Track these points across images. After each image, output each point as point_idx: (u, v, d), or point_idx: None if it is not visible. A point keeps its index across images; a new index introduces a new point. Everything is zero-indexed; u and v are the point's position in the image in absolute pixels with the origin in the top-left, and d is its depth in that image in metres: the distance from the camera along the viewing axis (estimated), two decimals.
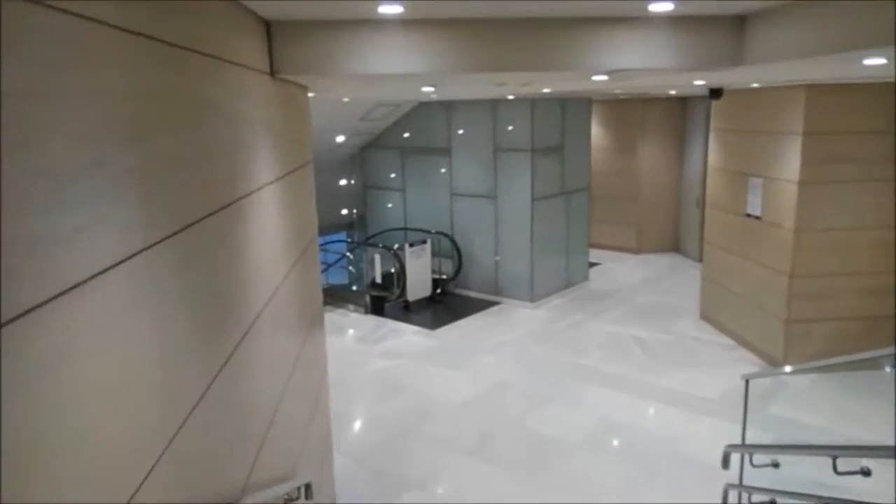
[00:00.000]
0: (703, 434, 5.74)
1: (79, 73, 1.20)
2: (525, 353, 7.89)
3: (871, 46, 2.35)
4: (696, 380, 6.88)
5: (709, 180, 8.66)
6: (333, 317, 9.44)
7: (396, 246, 9.89)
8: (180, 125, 1.72)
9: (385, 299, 9.85)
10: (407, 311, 9.66)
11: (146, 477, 1.35)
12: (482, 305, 9.78)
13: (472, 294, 10.26)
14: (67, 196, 1.12)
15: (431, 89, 5.79)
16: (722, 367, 7.16)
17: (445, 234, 10.35)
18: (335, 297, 10.01)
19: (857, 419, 5.82)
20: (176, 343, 1.58)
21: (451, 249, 10.34)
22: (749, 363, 7.22)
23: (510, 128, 9.42)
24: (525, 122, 9.24)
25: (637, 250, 12.72)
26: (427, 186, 10.63)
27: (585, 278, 10.67)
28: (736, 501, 4.13)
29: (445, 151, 10.22)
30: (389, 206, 11.30)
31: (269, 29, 2.98)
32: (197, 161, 1.84)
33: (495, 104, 9.44)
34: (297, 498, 2.91)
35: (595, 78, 4.01)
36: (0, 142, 0.93)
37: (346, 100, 7.98)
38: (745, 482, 4.22)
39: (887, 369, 5.23)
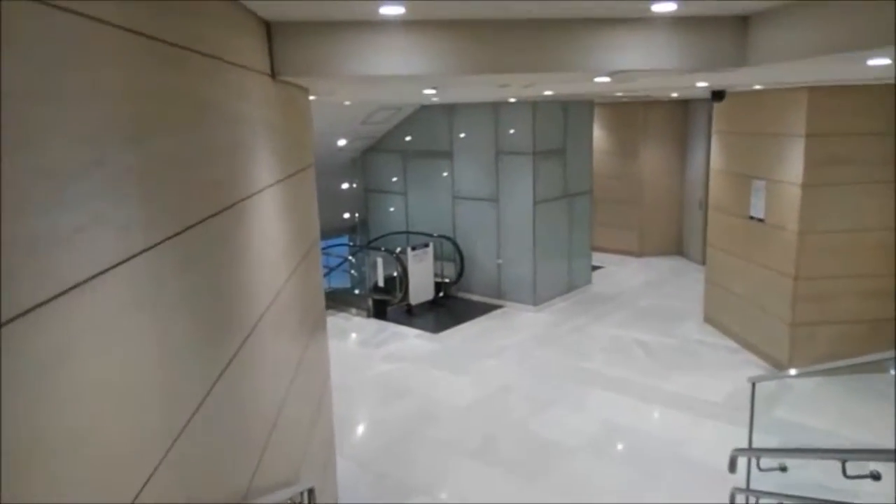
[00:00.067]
0: (707, 438, 5.71)
1: (79, 73, 1.19)
2: (528, 356, 7.87)
3: (874, 46, 2.34)
4: (700, 383, 6.85)
5: (711, 183, 8.64)
6: (336, 320, 9.42)
7: (399, 249, 9.88)
8: (180, 126, 1.71)
9: (387, 303, 9.84)
10: (409, 315, 9.65)
11: (147, 480, 1.34)
12: (485, 309, 9.76)
13: (475, 297, 10.24)
14: (67, 196, 1.11)
15: (433, 92, 5.79)
16: (726, 371, 7.13)
17: (448, 238, 10.33)
18: (337, 300, 10.00)
19: (862, 422, 5.79)
20: (177, 345, 1.57)
21: (453, 253, 10.32)
22: (753, 366, 7.19)
23: (512, 131, 9.41)
24: (527, 125, 9.24)
25: (639, 253, 12.70)
26: (429, 190, 10.62)
27: (588, 282, 10.64)
28: None
29: (447, 155, 10.22)
30: (391, 209, 11.30)
31: (270, 30, 2.98)
32: (197, 162, 1.83)
33: (497, 107, 9.43)
34: (300, 503, 2.90)
35: (597, 80, 4.00)
36: (0, 141, 0.91)
37: (347, 103, 7.99)
38: (751, 486, 4.19)
39: (892, 372, 5.21)
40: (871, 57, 2.85)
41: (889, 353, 5.48)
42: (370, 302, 9.80)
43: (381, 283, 10.05)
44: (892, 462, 2.52)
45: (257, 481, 2.26)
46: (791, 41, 2.77)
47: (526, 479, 5.20)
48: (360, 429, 6.32)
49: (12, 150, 0.95)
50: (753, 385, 4.43)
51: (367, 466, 5.45)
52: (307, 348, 3.61)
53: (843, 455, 2.65)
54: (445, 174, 10.30)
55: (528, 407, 6.47)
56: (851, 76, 4.87)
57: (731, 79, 5.12)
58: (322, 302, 4.45)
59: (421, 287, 9.85)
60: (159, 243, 1.48)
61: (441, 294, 10.20)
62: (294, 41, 3.02)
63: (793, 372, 5.96)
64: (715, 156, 8.47)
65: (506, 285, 9.87)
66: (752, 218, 7.49)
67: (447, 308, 9.95)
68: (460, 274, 10.27)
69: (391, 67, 3.09)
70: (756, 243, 7.43)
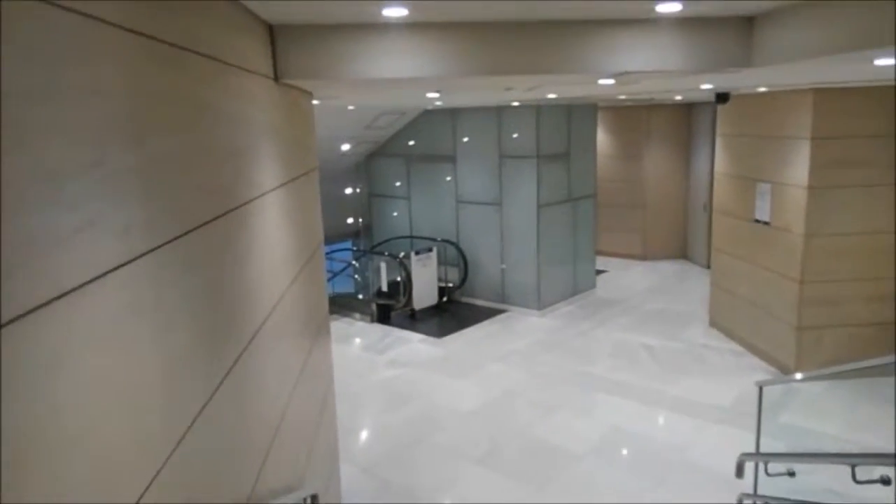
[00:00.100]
0: (713, 442, 5.67)
1: (78, 71, 1.17)
2: (532, 361, 7.83)
3: (880, 46, 2.32)
4: (706, 387, 6.81)
5: (716, 186, 8.61)
6: (339, 325, 9.40)
7: (402, 254, 9.86)
8: (181, 127, 1.70)
9: (391, 308, 9.81)
10: (413, 320, 9.62)
11: (148, 486, 1.32)
12: (489, 313, 9.73)
13: (479, 302, 10.21)
14: (65, 197, 1.09)
15: (436, 95, 5.78)
16: (732, 375, 7.09)
17: (451, 242, 10.32)
18: (341, 305, 9.98)
19: (869, 427, 5.73)
20: (178, 351, 1.54)
21: (456, 257, 10.30)
22: (759, 370, 7.15)
23: (515, 135, 9.40)
24: (530, 129, 9.22)
25: (644, 257, 12.66)
26: (432, 194, 10.61)
27: (592, 286, 10.61)
28: None
29: (451, 159, 10.21)
30: (395, 214, 11.29)
31: (273, 33, 2.97)
32: (199, 164, 1.81)
33: (500, 111, 9.42)
34: None
35: (601, 82, 3.98)
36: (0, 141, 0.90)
37: (351, 108, 7.99)
38: (758, 491, 4.15)
39: None
40: (878, 57, 2.82)
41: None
42: (374, 307, 9.78)
43: (384, 288, 10.03)
44: None
45: (260, 487, 2.24)
46: (797, 41, 2.75)
47: (532, 484, 5.16)
48: (364, 434, 6.29)
49: (9, 150, 0.93)
50: (761, 389, 4.39)
51: (371, 472, 5.42)
52: (311, 353, 3.59)
53: (853, 460, 2.61)
54: (449, 178, 10.29)
55: (534, 412, 6.44)
56: (858, 77, 4.84)
57: (735, 81, 5.09)
58: (326, 307, 4.43)
59: (424, 292, 9.83)
60: (160, 246, 1.46)
61: (445, 299, 10.17)
62: (297, 44, 3.00)
63: (799, 376, 5.91)
64: (719, 159, 8.43)
65: (510, 290, 9.84)
66: (757, 221, 7.45)
67: (451, 313, 9.92)
68: (464, 278, 10.24)
69: (395, 70, 3.07)
70: (761, 246, 7.39)
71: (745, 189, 7.68)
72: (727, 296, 8.26)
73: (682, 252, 12.70)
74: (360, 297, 10.37)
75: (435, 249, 10.01)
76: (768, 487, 4.04)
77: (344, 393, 6.11)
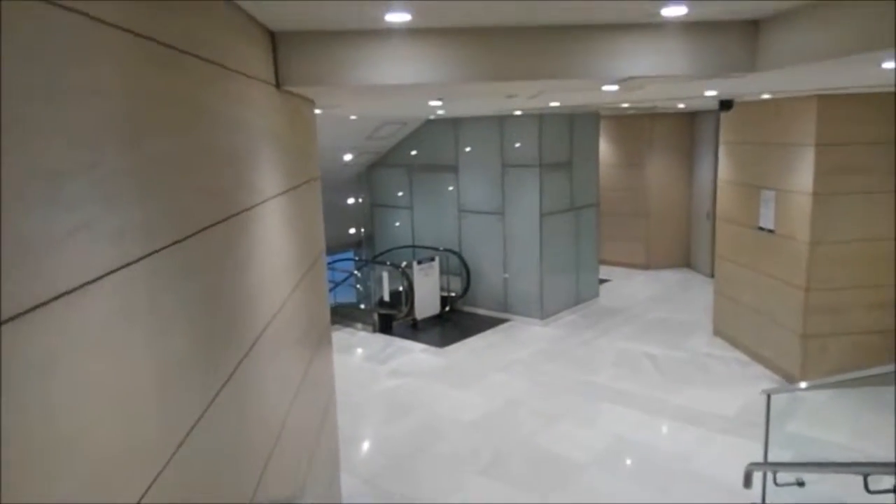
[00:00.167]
0: (718, 452, 5.61)
1: (75, 71, 1.15)
2: (535, 370, 7.77)
3: (888, 48, 2.29)
4: (711, 397, 6.74)
5: (719, 194, 8.58)
6: (341, 335, 9.36)
7: (404, 264, 9.83)
8: (180, 131, 1.67)
9: (393, 317, 9.77)
10: (415, 330, 9.57)
11: (144, 493, 1.28)
12: (491, 323, 9.68)
13: (481, 311, 10.16)
14: (60, 198, 1.06)
15: (439, 103, 5.76)
16: (737, 384, 7.03)
17: (453, 252, 10.28)
18: (343, 315, 9.94)
19: (875, 435, 5.67)
20: (174, 358, 1.51)
21: (459, 267, 10.27)
22: (764, 379, 7.08)
23: (517, 144, 9.38)
24: (533, 138, 9.21)
25: (647, 266, 12.62)
26: (435, 204, 10.59)
27: (595, 295, 10.56)
28: None
29: (453, 169, 10.20)
30: (397, 224, 11.27)
31: (275, 40, 2.95)
32: (198, 169, 1.79)
33: (502, 120, 9.42)
34: None
35: (605, 88, 3.96)
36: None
37: (353, 118, 7.98)
38: (767, 501, 4.09)
39: None
40: (886, 60, 2.79)
41: None
42: (376, 317, 9.73)
43: (386, 298, 9.99)
44: None
45: (259, 497, 2.19)
46: (803, 44, 2.72)
47: (535, 494, 5.10)
48: (366, 445, 6.24)
49: (7, 150, 0.91)
50: (769, 397, 4.34)
51: (372, 483, 5.36)
52: (312, 362, 3.55)
53: (865, 469, 2.56)
54: (451, 188, 10.27)
55: (537, 422, 6.38)
56: (863, 82, 4.82)
57: (740, 87, 5.07)
58: (327, 316, 4.39)
59: (427, 301, 9.79)
60: (157, 251, 1.43)
61: (447, 308, 10.13)
62: (299, 51, 2.99)
63: (803, 385, 5.86)
64: (723, 166, 8.41)
65: (512, 299, 9.80)
66: (761, 229, 7.41)
67: (453, 322, 9.87)
68: (466, 288, 10.20)
69: (396, 76, 3.05)
70: (766, 254, 7.35)
71: (749, 197, 7.65)
72: (731, 304, 8.21)
73: (685, 261, 12.65)
74: (362, 306, 10.34)
75: (437, 259, 9.98)
76: (776, 497, 3.98)
77: (345, 403, 6.06)
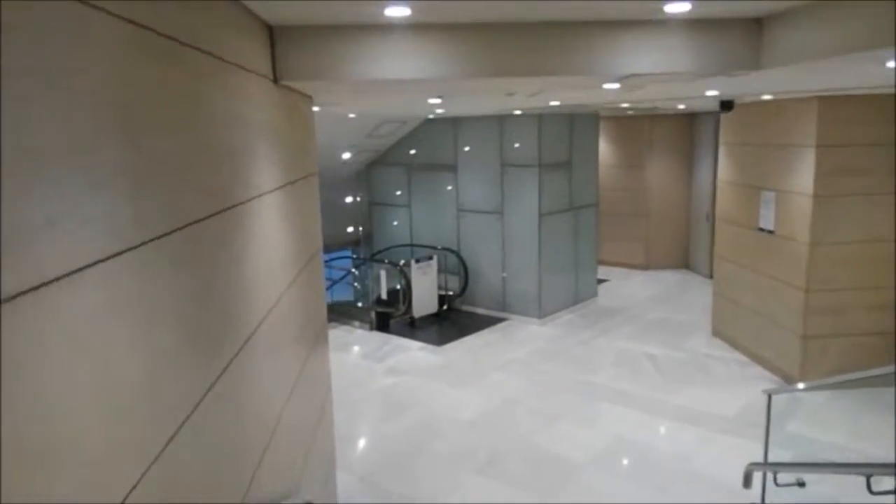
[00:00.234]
0: (717, 453, 5.58)
1: (70, 59, 1.12)
2: (533, 370, 7.75)
3: (887, 46, 2.27)
4: (710, 397, 6.72)
5: (719, 194, 8.55)
6: (338, 333, 9.33)
7: (402, 262, 9.80)
8: (174, 122, 1.64)
9: (390, 316, 9.75)
10: (413, 328, 9.54)
11: (132, 488, 1.25)
12: (489, 322, 9.65)
13: (479, 310, 10.14)
14: (43, 183, 1.03)
15: (438, 102, 5.73)
16: (737, 384, 7.01)
17: (452, 251, 10.26)
18: (340, 313, 9.91)
19: (875, 436, 5.65)
20: (162, 352, 1.47)
21: (457, 266, 10.24)
22: (764, 380, 7.06)
23: (517, 144, 9.36)
24: (532, 138, 9.18)
25: (646, 267, 12.60)
26: (433, 203, 10.56)
27: (594, 295, 10.53)
28: None
29: (452, 168, 10.17)
30: (395, 222, 11.24)
31: (273, 34, 2.92)
32: (192, 160, 1.76)
33: (502, 120, 9.39)
34: None
35: (607, 86, 3.93)
36: None
37: (352, 116, 7.95)
38: (766, 502, 4.07)
39: None
40: (890, 58, 2.77)
41: None
42: (373, 315, 9.70)
43: (384, 296, 9.96)
44: None
45: (252, 495, 2.16)
46: (807, 42, 2.70)
47: (533, 494, 5.07)
48: (362, 443, 6.21)
49: None
50: (769, 397, 4.32)
51: (368, 481, 5.33)
52: (308, 359, 3.52)
53: (867, 470, 2.54)
54: (450, 187, 10.25)
55: (535, 421, 6.35)
56: (867, 83, 4.79)
57: (742, 86, 5.05)
58: (324, 313, 4.36)
59: (424, 300, 9.76)
60: (146, 242, 1.40)
61: (445, 307, 10.10)
62: (297, 45, 2.95)
63: (801, 385, 5.84)
64: (723, 167, 8.38)
65: (510, 298, 9.77)
66: (761, 229, 7.39)
67: (451, 321, 9.84)
68: (464, 287, 10.18)
69: (396, 71, 3.02)
70: (765, 255, 7.33)
71: (749, 198, 7.63)
72: (730, 305, 8.19)
73: (684, 262, 12.63)
74: (360, 304, 10.31)
75: (435, 257, 9.95)
76: (775, 497, 3.96)
77: (342, 401, 6.03)
